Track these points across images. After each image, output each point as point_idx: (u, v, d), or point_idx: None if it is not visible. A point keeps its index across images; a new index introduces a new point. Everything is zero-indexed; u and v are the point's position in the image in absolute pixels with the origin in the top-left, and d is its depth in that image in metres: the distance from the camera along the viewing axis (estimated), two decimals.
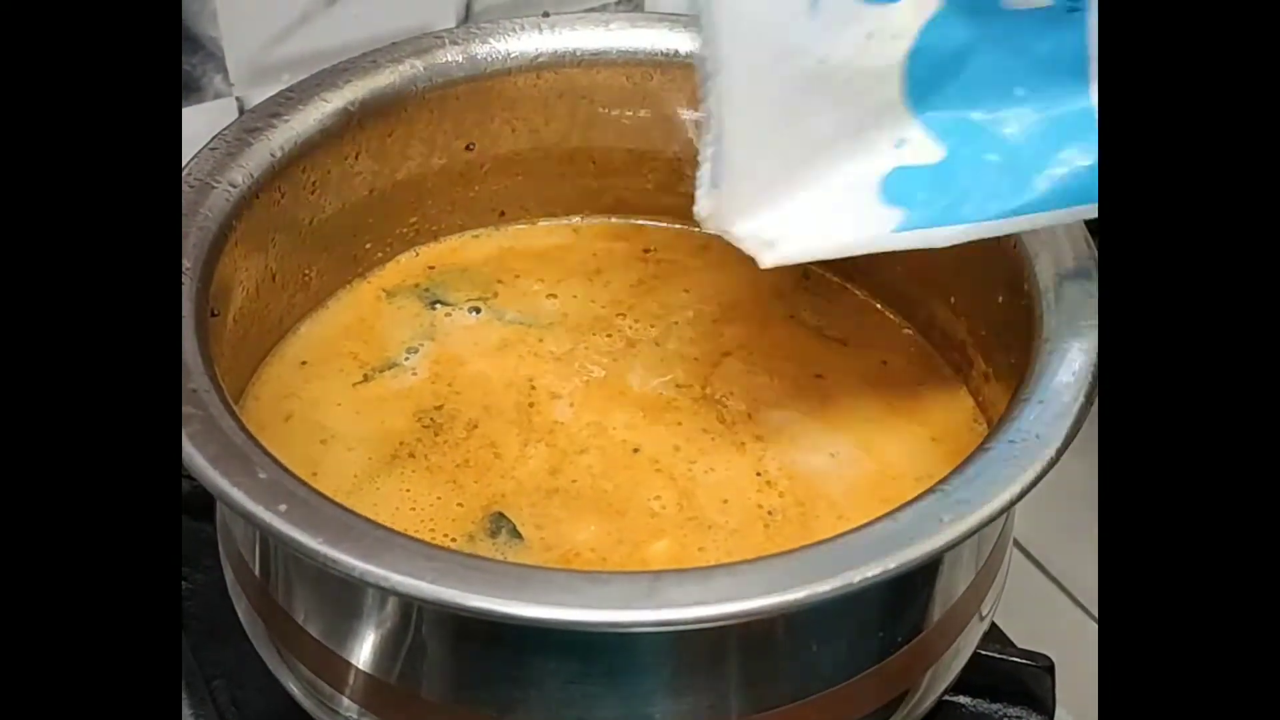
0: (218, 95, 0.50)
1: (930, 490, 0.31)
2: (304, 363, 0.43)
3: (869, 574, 0.29)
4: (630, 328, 0.45)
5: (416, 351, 0.44)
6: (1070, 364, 0.34)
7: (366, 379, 0.43)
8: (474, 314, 0.45)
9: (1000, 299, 0.40)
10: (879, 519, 0.31)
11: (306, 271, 0.44)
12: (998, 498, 0.31)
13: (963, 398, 0.43)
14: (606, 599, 0.29)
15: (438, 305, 0.45)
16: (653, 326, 0.45)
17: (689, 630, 0.31)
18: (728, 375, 0.44)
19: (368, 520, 0.30)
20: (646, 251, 0.48)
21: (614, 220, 0.49)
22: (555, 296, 0.46)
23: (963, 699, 0.43)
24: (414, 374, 0.43)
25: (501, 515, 0.38)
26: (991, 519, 0.31)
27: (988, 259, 0.40)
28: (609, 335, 0.45)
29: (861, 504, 0.39)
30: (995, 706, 0.43)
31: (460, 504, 0.39)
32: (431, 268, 0.47)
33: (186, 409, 0.32)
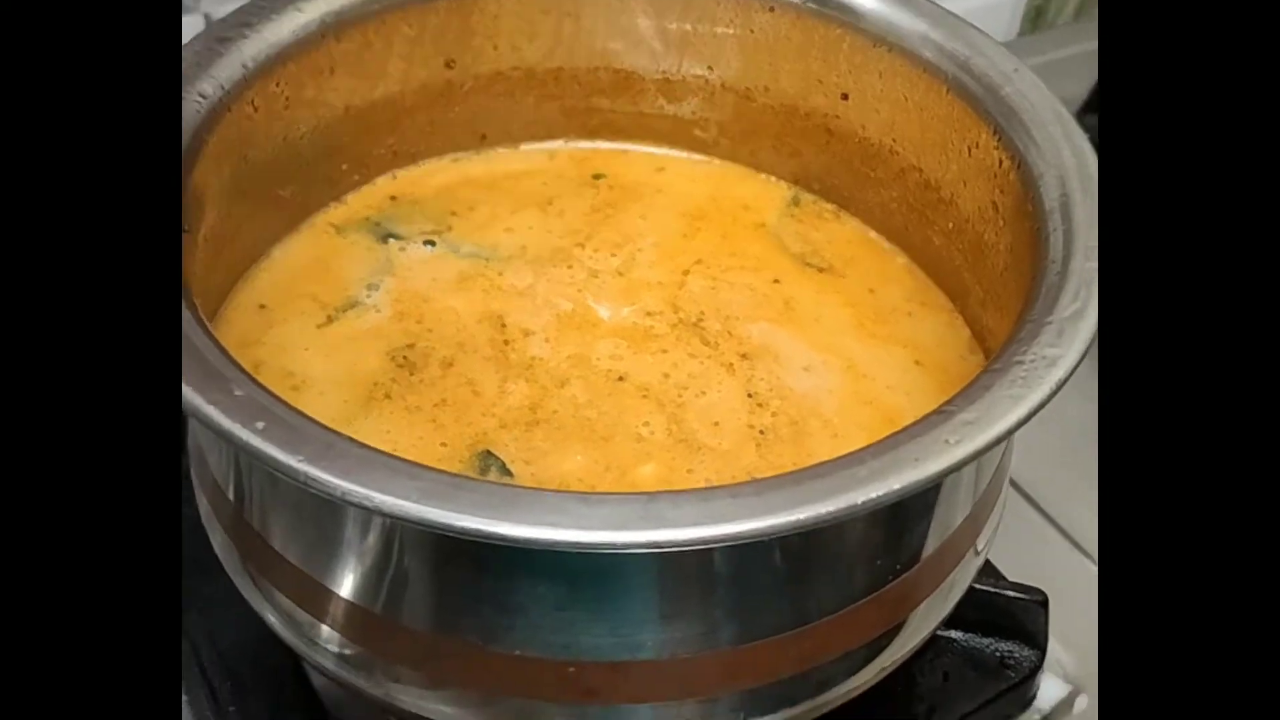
0: (185, 10, 0.48)
1: (936, 411, 0.30)
2: (262, 306, 0.41)
3: (873, 495, 0.28)
4: (590, 258, 0.44)
5: (377, 288, 0.42)
6: (1078, 285, 0.33)
7: (330, 320, 0.41)
8: (429, 247, 0.44)
9: (1002, 222, 0.38)
10: (883, 440, 0.30)
11: (280, 191, 0.42)
12: (1004, 419, 0.30)
13: (958, 327, 0.42)
14: (599, 520, 0.28)
15: (390, 239, 0.44)
16: (613, 255, 0.44)
17: (683, 554, 0.30)
18: (694, 294, 0.43)
19: (349, 439, 0.29)
20: (597, 178, 0.47)
21: (600, 145, 0.48)
22: (511, 230, 0.45)
23: (955, 633, 0.42)
24: (378, 311, 0.42)
25: (489, 453, 0.37)
26: (999, 440, 0.30)
27: (990, 180, 0.39)
28: (569, 267, 0.44)
29: (856, 422, 0.39)
30: (988, 641, 0.42)
31: (444, 444, 0.38)
32: (394, 198, 0.45)
33: None
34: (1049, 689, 0.45)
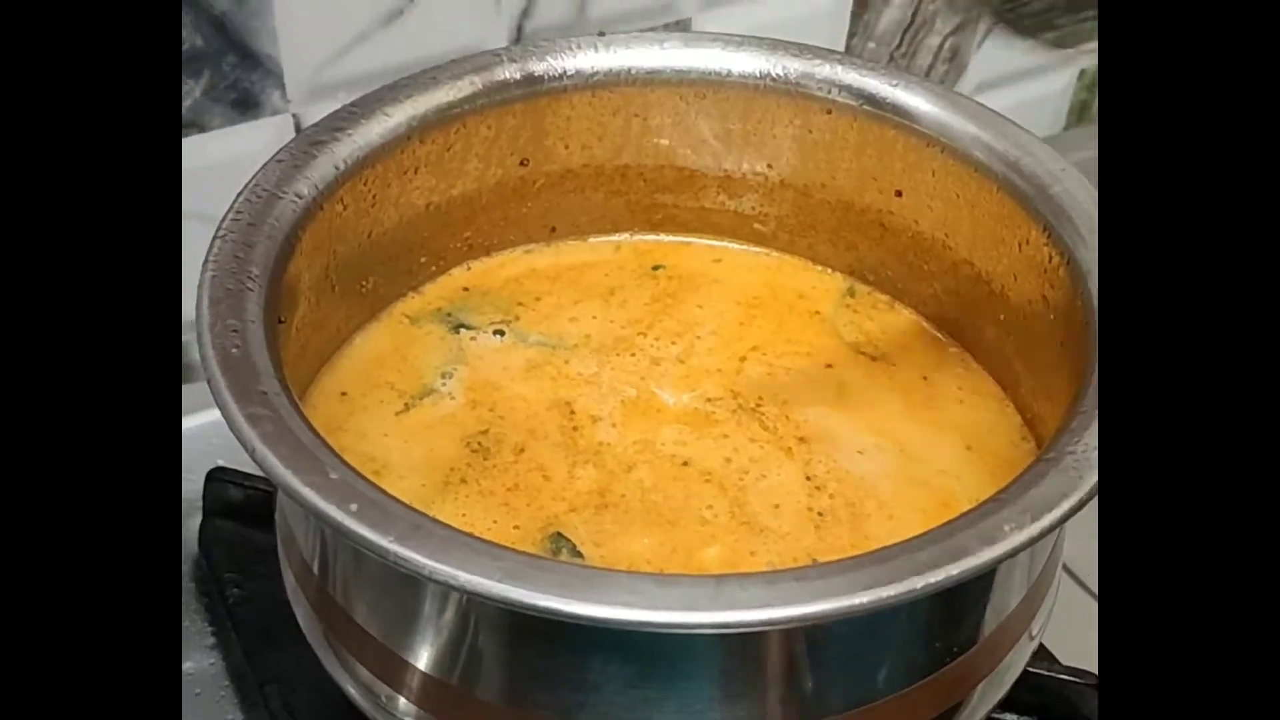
0: (275, 112, 0.51)
1: (992, 499, 0.32)
2: (344, 394, 0.43)
3: (932, 580, 0.30)
4: (651, 346, 0.46)
5: (450, 377, 0.44)
6: None
7: (408, 407, 0.43)
8: (498, 337, 0.46)
9: (1053, 315, 0.40)
10: (941, 526, 0.31)
11: (364, 283, 0.44)
12: (1058, 507, 0.31)
13: (1009, 414, 0.44)
14: (672, 601, 0.29)
15: (461, 329, 0.46)
16: (673, 344, 0.46)
17: (750, 634, 0.32)
18: (752, 380, 0.45)
19: (435, 520, 0.31)
20: (656, 269, 0.49)
21: (663, 238, 0.50)
22: (575, 319, 0.47)
23: (1010, 717, 0.43)
24: (452, 399, 0.44)
25: (561, 535, 0.39)
26: (1053, 528, 0.31)
27: (1040, 275, 0.40)
28: (633, 355, 0.46)
29: (910, 505, 0.40)
30: None
31: (516, 526, 0.39)
32: (466, 289, 0.47)
33: (258, 410, 0.33)
34: None
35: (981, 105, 0.43)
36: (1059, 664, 0.44)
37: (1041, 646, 0.45)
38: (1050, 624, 0.40)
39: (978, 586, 0.35)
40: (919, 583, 0.29)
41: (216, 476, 0.48)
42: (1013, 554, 0.30)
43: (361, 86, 0.44)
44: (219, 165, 0.43)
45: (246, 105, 0.51)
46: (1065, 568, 0.53)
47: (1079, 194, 0.40)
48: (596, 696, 0.33)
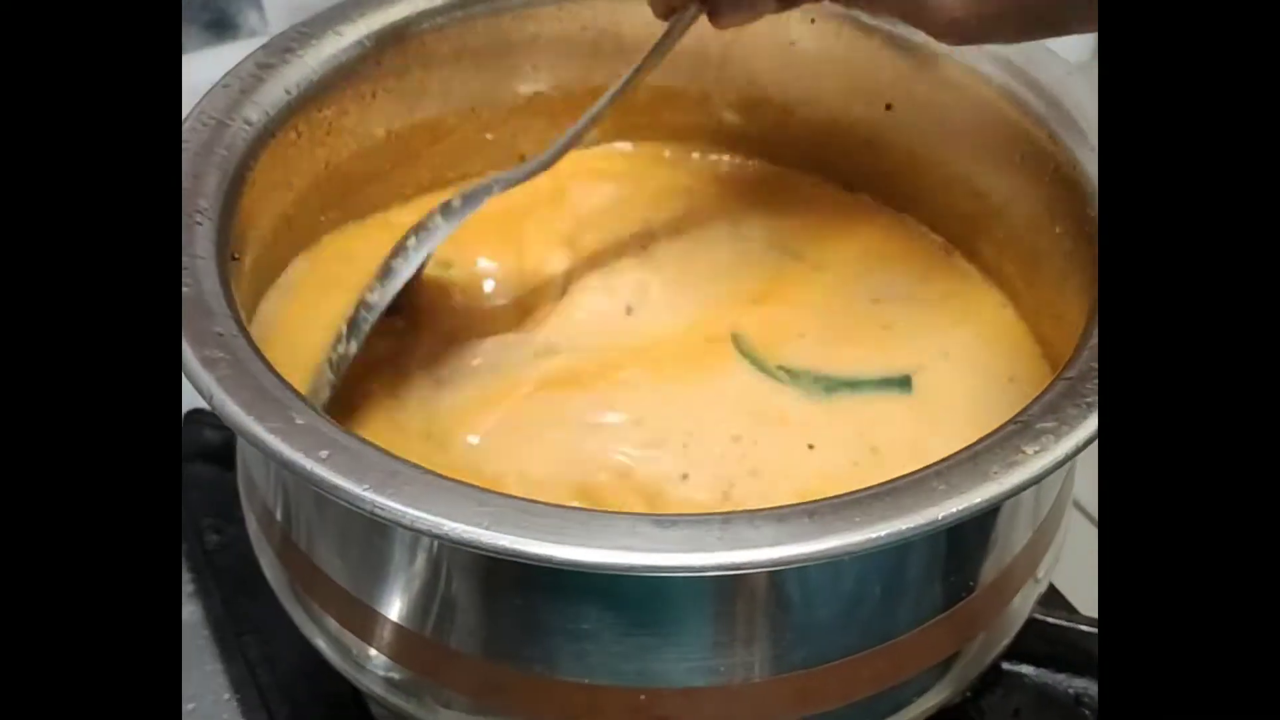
0: (253, 34, 0.48)
1: (1011, 422, 0.29)
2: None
3: (953, 510, 0.28)
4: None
5: None
6: None
7: None
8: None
9: (1059, 228, 0.38)
10: (959, 453, 0.29)
11: (321, 218, 0.41)
12: (1083, 426, 0.29)
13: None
14: (675, 542, 0.27)
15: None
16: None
17: (758, 575, 0.30)
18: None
19: (413, 465, 0.28)
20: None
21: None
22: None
23: (1025, 668, 0.41)
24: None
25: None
26: (1078, 450, 0.29)
27: (1043, 185, 0.38)
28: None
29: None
30: (1060, 676, 0.41)
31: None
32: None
33: (213, 353, 0.30)
34: None
35: None
36: (1079, 614, 0.42)
37: (1059, 596, 0.44)
38: (1068, 574, 0.38)
39: (985, 524, 0.33)
40: (939, 514, 0.27)
41: (194, 419, 0.46)
42: (1037, 480, 0.28)
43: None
44: (194, 90, 0.39)
45: (223, 27, 0.48)
46: (1088, 515, 0.51)
47: (1084, 98, 0.38)
48: (592, 647, 0.31)
